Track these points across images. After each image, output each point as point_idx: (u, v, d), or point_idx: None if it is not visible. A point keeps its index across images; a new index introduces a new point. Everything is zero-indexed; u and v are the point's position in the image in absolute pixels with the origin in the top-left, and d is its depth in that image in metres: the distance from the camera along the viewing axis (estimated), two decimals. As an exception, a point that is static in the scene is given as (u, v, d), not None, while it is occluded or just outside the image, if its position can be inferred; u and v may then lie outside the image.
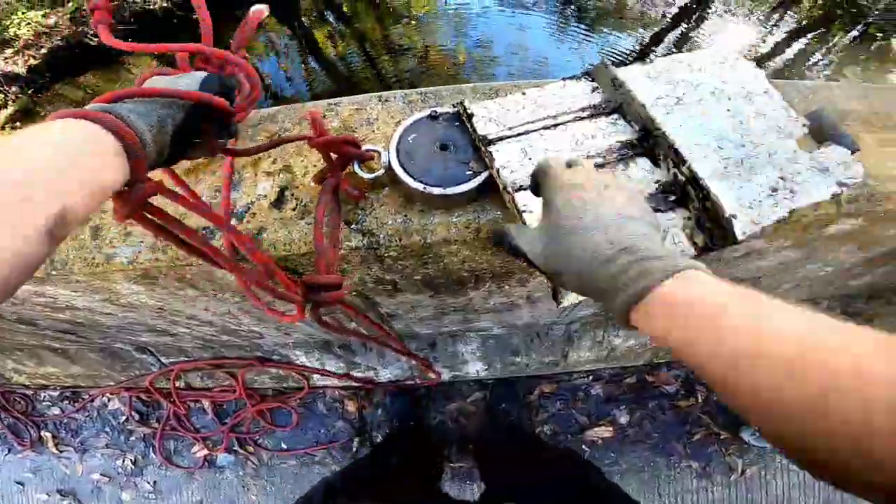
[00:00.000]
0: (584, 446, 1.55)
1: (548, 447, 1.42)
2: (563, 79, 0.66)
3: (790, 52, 3.49)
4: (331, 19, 4.05)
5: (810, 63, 3.44)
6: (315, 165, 0.70)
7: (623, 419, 1.58)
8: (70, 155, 0.33)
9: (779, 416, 0.26)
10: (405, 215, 0.63)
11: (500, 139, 0.58)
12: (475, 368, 1.46)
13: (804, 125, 0.58)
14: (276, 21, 3.98)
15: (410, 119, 0.63)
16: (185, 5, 3.80)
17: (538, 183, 0.47)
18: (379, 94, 0.76)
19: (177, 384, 1.43)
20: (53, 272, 0.70)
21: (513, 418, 1.52)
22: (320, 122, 0.61)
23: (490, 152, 0.56)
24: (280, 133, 0.75)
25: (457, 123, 0.62)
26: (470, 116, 0.59)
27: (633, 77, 0.61)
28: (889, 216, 0.71)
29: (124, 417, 1.67)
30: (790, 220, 0.65)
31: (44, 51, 3.44)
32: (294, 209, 0.67)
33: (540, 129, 0.60)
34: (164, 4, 3.79)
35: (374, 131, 0.71)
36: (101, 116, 0.36)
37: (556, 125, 0.61)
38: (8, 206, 0.28)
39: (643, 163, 0.57)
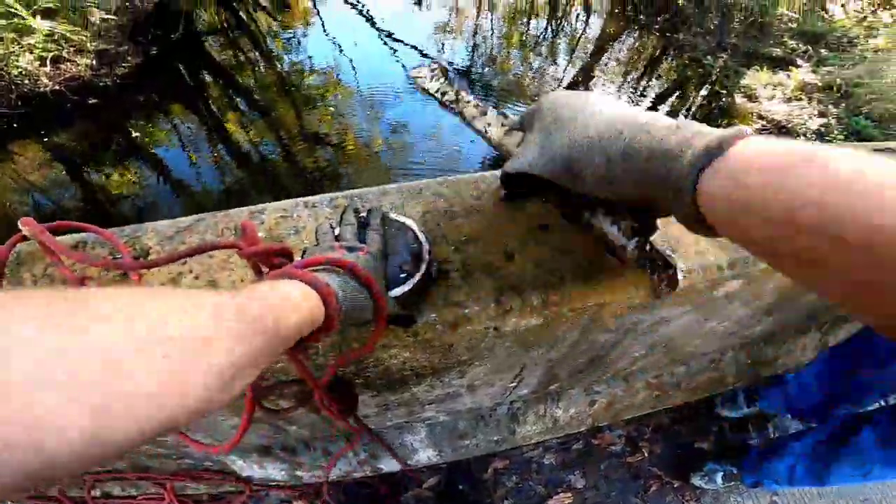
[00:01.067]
0: (547, 515, 1.54)
1: None
2: None
3: (662, 111, 4.09)
4: (242, 106, 4.08)
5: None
6: (243, 280, 0.69)
7: (579, 483, 1.60)
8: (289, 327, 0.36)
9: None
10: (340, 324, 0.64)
11: None
12: (426, 455, 1.43)
13: None
14: (181, 108, 3.96)
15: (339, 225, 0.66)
16: (78, 90, 3.68)
17: (525, 119, 0.47)
18: (305, 199, 0.78)
19: (92, 494, 1.23)
20: None
21: (471, 498, 1.49)
22: (252, 230, 0.61)
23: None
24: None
25: (385, 227, 0.66)
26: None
27: None
28: (765, 275, 0.84)
29: (31, 528, 1.39)
30: (684, 289, 0.76)
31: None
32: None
33: None
34: (56, 87, 3.65)
35: (303, 240, 0.72)
36: (323, 291, 0.42)
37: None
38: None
39: None
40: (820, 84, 4.17)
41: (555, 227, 0.71)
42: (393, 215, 0.64)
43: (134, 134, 3.61)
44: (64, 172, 3.29)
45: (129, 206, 3.05)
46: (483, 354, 0.78)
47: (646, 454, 1.65)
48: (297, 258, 0.65)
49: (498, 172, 0.78)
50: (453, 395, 0.99)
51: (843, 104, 3.95)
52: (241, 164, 3.42)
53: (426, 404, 1.03)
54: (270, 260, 0.61)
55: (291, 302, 0.38)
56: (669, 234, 0.76)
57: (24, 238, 0.69)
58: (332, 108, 3.94)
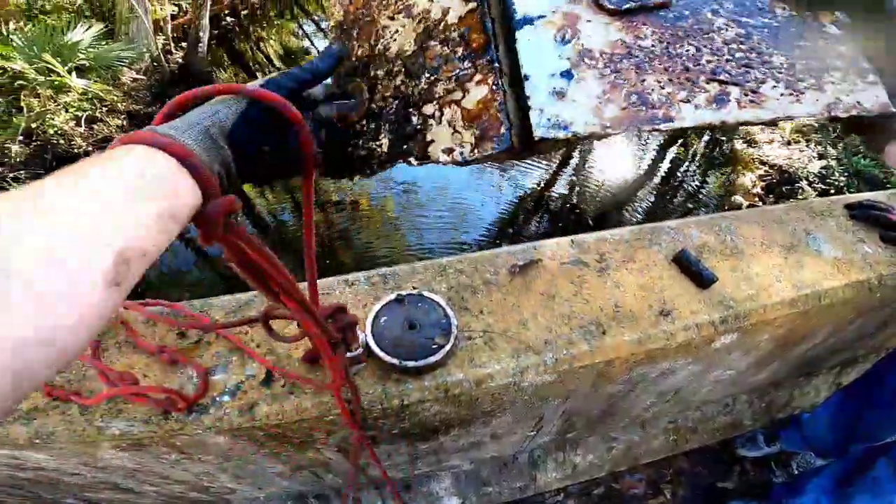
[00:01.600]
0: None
1: None
2: None
3: (667, 161, 4.20)
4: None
5: (682, 169, 4.15)
6: (297, 348, 0.82)
7: None
8: (127, 186, 0.29)
9: None
10: (384, 384, 0.76)
11: None
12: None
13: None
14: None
15: (380, 303, 0.78)
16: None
17: None
18: (345, 277, 0.92)
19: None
20: (37, 440, 0.74)
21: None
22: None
23: None
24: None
25: (419, 304, 0.79)
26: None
27: None
28: (756, 328, 0.94)
29: None
30: (682, 344, 0.87)
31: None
32: (283, 386, 0.78)
33: None
34: (89, 148, 3.80)
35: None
36: (148, 137, 0.33)
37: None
38: (60, 259, 0.24)
39: None
40: (816, 125, 4.21)
41: (560, 296, 0.84)
42: (426, 293, 0.77)
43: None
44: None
45: (155, 273, 3.11)
46: (505, 406, 0.88)
47: (668, 496, 1.68)
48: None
49: (508, 248, 0.92)
50: (478, 444, 1.09)
51: (841, 144, 3.98)
52: (260, 230, 3.53)
53: (453, 453, 1.12)
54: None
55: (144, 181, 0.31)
56: (665, 297, 0.88)
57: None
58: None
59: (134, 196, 0.29)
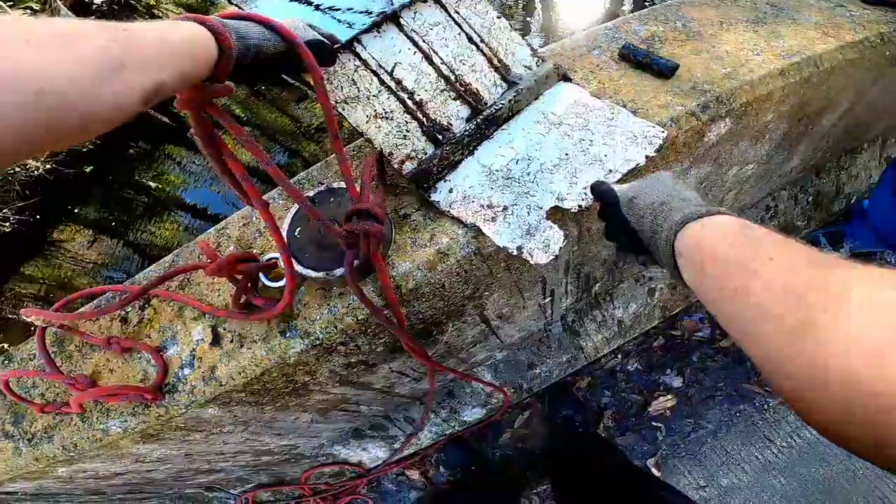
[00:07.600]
0: (653, 423, 1.52)
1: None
2: None
3: None
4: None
5: None
6: (231, 294, 0.78)
7: (676, 383, 1.56)
8: (178, 45, 0.42)
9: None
10: (329, 304, 0.71)
11: None
12: (501, 396, 1.51)
13: None
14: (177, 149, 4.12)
15: (289, 215, 0.70)
16: (67, 164, 3.79)
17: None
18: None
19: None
20: (73, 453, 0.79)
21: (570, 422, 1.53)
22: (209, 249, 0.69)
23: None
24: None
25: (332, 199, 0.71)
26: None
27: None
28: (752, 108, 0.80)
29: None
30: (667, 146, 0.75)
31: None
32: (232, 341, 0.75)
33: None
34: (48, 166, 3.75)
35: (268, 239, 0.79)
36: (214, 24, 0.46)
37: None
38: (124, 69, 0.36)
39: None
40: None
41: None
42: (335, 185, 0.70)
43: (151, 185, 3.78)
44: (114, 244, 3.52)
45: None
46: (484, 282, 0.82)
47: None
48: (266, 256, 0.73)
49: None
50: (491, 331, 1.05)
51: None
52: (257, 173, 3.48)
53: (469, 348, 1.09)
54: (236, 268, 0.69)
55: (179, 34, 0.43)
56: (624, 97, 0.75)
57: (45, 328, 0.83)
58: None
59: (182, 56, 0.43)
